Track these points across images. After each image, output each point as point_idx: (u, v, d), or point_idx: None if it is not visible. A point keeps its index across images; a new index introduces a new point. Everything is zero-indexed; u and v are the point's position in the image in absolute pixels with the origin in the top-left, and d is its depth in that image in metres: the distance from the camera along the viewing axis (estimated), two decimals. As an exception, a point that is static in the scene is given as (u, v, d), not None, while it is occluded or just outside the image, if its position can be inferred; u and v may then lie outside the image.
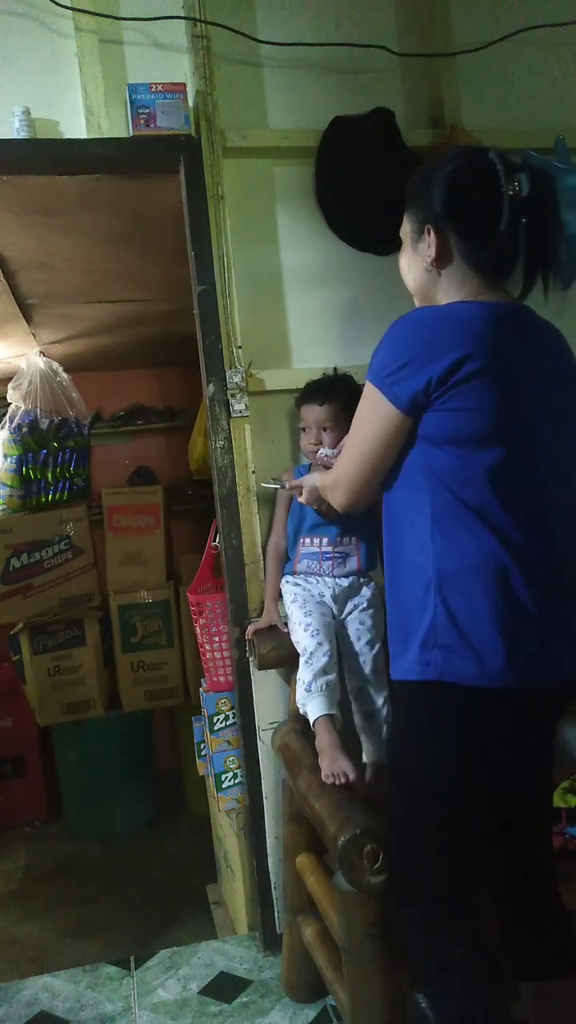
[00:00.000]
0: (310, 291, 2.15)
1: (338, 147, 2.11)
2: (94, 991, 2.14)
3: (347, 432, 1.93)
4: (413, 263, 1.42)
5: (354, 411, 1.91)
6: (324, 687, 1.77)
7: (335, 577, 1.94)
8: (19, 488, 3.04)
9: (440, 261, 1.37)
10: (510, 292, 1.40)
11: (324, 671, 1.78)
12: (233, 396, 2.05)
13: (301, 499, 1.75)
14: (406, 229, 1.43)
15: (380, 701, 1.84)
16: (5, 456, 3.05)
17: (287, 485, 1.88)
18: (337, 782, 1.63)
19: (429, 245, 1.37)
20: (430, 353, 1.26)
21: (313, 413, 1.93)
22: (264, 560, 2.08)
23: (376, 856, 1.41)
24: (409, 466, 1.35)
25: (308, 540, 1.97)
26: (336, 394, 1.92)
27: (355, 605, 1.92)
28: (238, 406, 2.06)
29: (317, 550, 1.96)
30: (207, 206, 2.02)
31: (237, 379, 2.05)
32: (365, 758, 1.82)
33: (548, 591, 1.28)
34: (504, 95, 2.25)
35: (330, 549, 1.95)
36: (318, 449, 1.93)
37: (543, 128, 2.23)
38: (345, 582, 1.94)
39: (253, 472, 2.08)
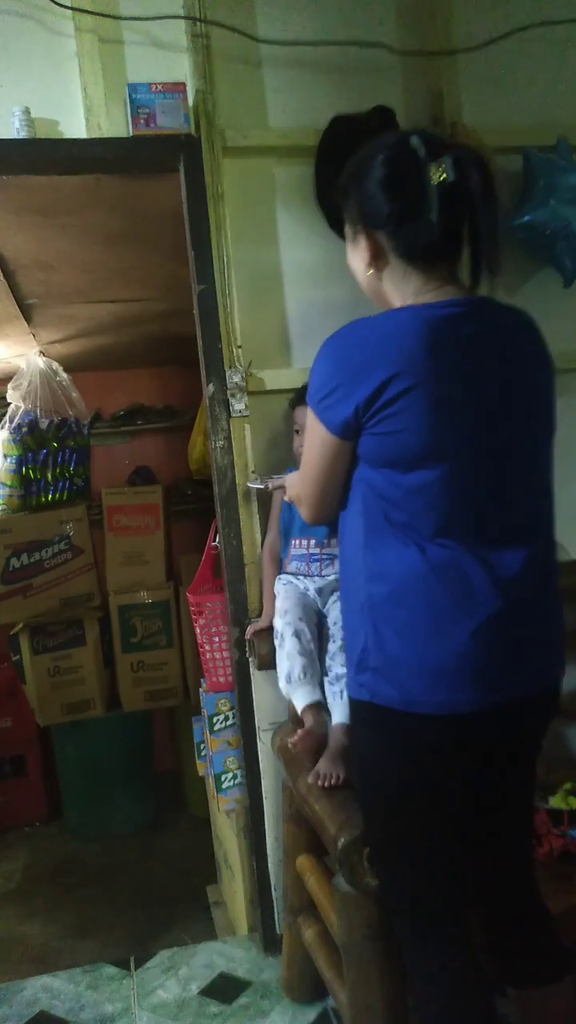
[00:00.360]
0: (310, 291, 2.15)
1: (338, 146, 2.10)
2: (94, 991, 2.14)
3: None
4: (355, 264, 1.39)
5: None
6: (302, 675, 1.79)
7: (324, 577, 1.94)
8: (19, 488, 3.04)
9: (375, 262, 1.33)
10: (462, 283, 1.33)
11: (298, 653, 1.81)
12: (233, 396, 2.05)
13: (285, 497, 1.75)
14: (347, 230, 1.39)
15: (343, 668, 1.77)
16: (5, 456, 3.05)
17: (270, 485, 1.88)
18: (327, 783, 1.63)
19: (364, 247, 1.34)
20: (355, 377, 1.23)
21: (306, 415, 1.93)
22: (262, 560, 2.09)
23: (376, 857, 1.42)
24: (352, 484, 1.34)
25: (297, 542, 1.98)
26: None
27: (335, 590, 1.92)
28: (238, 406, 2.05)
29: (305, 552, 1.96)
30: (207, 206, 2.02)
31: (237, 379, 2.05)
32: (333, 720, 1.78)
33: (493, 611, 1.23)
34: (505, 93, 2.24)
35: (318, 551, 1.95)
36: None
37: (544, 126, 2.22)
38: (332, 577, 1.94)
39: (253, 472, 2.08)
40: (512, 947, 1.43)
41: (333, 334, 1.30)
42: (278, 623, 1.90)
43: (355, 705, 1.36)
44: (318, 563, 1.95)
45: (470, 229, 1.30)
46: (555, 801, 1.89)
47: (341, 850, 1.43)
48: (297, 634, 1.84)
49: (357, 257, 1.37)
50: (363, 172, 1.31)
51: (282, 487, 1.74)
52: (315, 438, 1.33)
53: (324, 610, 1.92)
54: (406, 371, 1.20)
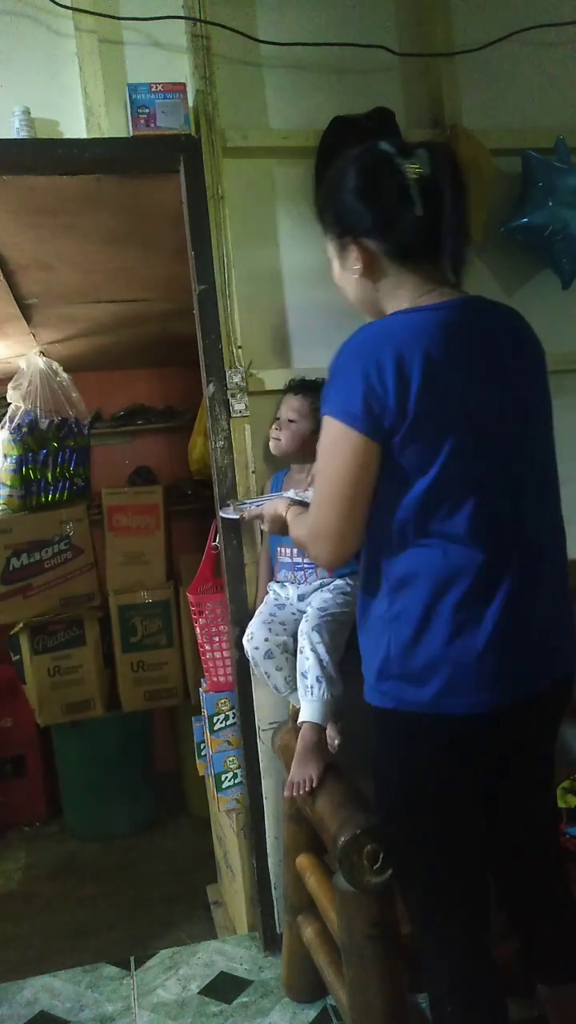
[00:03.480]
0: (310, 291, 2.15)
1: (338, 147, 2.10)
2: (94, 991, 2.14)
3: (311, 432, 1.92)
4: (346, 279, 1.38)
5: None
6: (287, 687, 1.85)
7: (309, 583, 1.96)
8: (19, 488, 3.04)
9: (369, 270, 1.32)
10: (452, 282, 1.33)
11: (276, 670, 1.87)
12: (233, 396, 2.05)
13: (264, 527, 1.68)
14: (329, 251, 1.38)
15: (308, 665, 1.78)
16: (5, 456, 3.05)
17: (246, 515, 1.77)
18: (302, 791, 1.64)
19: (355, 259, 1.32)
20: (380, 380, 1.21)
21: (287, 403, 1.97)
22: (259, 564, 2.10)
23: (376, 856, 1.42)
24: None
25: (282, 550, 2.00)
26: (316, 391, 1.92)
27: (322, 586, 1.94)
28: (238, 406, 2.06)
29: (290, 560, 1.98)
30: (207, 206, 2.02)
31: (237, 379, 2.05)
32: (300, 716, 1.78)
33: (513, 613, 1.25)
34: (504, 95, 2.25)
35: (300, 560, 1.96)
36: (277, 436, 1.96)
37: (543, 128, 2.23)
38: (317, 583, 1.95)
39: (253, 472, 2.09)
40: (542, 943, 1.44)
41: (351, 338, 1.28)
42: (247, 646, 1.92)
43: (377, 710, 1.33)
44: (301, 572, 1.96)
45: (452, 218, 1.30)
46: (554, 800, 1.89)
47: (341, 849, 1.43)
48: (269, 655, 1.87)
49: (346, 271, 1.36)
50: (341, 185, 1.31)
51: (260, 517, 1.67)
52: (341, 446, 1.23)
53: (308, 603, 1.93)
54: (427, 374, 1.20)
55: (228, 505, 1.92)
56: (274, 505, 1.59)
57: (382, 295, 1.34)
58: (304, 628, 1.82)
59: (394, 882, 1.42)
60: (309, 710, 1.74)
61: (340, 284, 1.40)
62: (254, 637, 1.90)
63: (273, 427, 1.99)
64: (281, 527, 1.57)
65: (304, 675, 1.77)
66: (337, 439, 1.24)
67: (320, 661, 1.76)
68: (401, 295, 1.31)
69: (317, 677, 1.75)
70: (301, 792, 1.64)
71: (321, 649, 1.77)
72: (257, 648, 1.89)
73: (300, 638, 1.82)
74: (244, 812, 2.21)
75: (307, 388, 1.96)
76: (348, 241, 1.32)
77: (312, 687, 1.75)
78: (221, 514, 1.96)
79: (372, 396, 1.21)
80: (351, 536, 1.27)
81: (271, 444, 2.00)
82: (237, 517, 1.83)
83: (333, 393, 1.26)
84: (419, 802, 1.33)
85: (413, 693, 1.26)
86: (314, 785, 1.63)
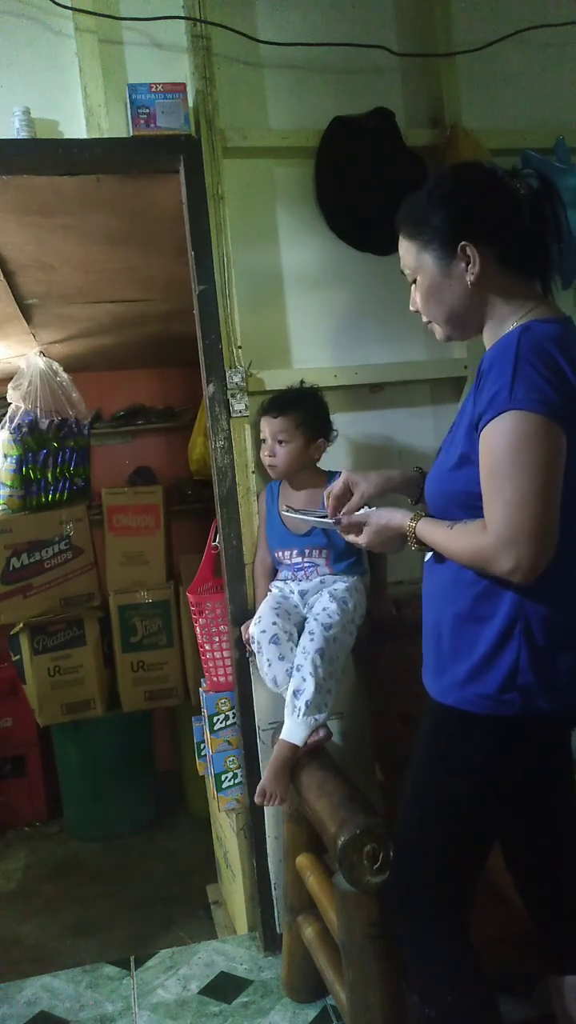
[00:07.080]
0: (310, 291, 2.15)
1: (338, 147, 2.11)
2: (94, 991, 2.14)
3: (303, 446, 1.93)
4: (447, 290, 1.33)
5: (312, 425, 1.89)
6: (287, 679, 1.82)
7: (309, 580, 1.97)
8: (19, 488, 3.04)
9: (481, 277, 1.30)
10: (543, 296, 1.35)
11: (278, 659, 1.84)
12: (233, 396, 2.05)
13: (359, 541, 1.48)
14: (423, 262, 1.34)
15: (305, 688, 1.77)
16: (5, 456, 3.05)
17: (342, 520, 1.50)
18: (271, 804, 1.75)
19: (469, 262, 1.29)
20: (561, 375, 1.21)
21: (269, 426, 1.95)
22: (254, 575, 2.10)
23: (376, 856, 1.42)
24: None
25: (281, 553, 2.01)
26: (292, 407, 1.94)
27: (323, 589, 1.94)
28: (238, 406, 2.06)
29: (290, 562, 1.99)
30: (207, 206, 2.02)
31: (237, 379, 2.05)
32: (282, 734, 1.79)
33: None
34: (504, 95, 2.25)
35: (299, 560, 1.98)
36: (273, 462, 1.95)
37: (543, 128, 2.23)
38: (316, 580, 1.97)
39: (253, 472, 2.09)
40: (561, 934, 1.46)
41: (518, 338, 1.22)
42: (253, 630, 1.91)
43: (477, 718, 1.29)
44: (302, 571, 1.98)
45: (550, 239, 1.34)
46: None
47: (341, 849, 1.43)
48: (275, 640, 1.85)
49: (451, 280, 1.32)
50: (456, 189, 1.32)
51: (357, 526, 1.47)
52: (542, 438, 1.16)
53: (311, 604, 1.93)
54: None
55: (311, 512, 1.68)
56: (387, 516, 1.44)
57: (486, 304, 1.32)
58: (308, 646, 1.82)
59: (394, 881, 1.42)
60: (293, 731, 1.77)
61: (428, 302, 1.36)
62: (262, 620, 1.89)
63: (265, 452, 1.97)
64: (388, 541, 1.44)
65: (297, 695, 1.78)
66: (536, 432, 1.17)
67: (318, 688, 1.77)
68: (505, 306, 1.31)
69: (307, 703, 1.76)
70: (273, 804, 1.76)
71: (321, 674, 1.78)
72: (264, 631, 1.86)
73: (300, 654, 1.82)
74: (244, 812, 2.21)
75: (285, 406, 1.94)
76: (464, 245, 1.29)
77: (301, 709, 1.76)
78: (293, 514, 1.74)
79: (565, 391, 1.19)
80: (554, 534, 1.17)
81: (269, 469, 1.99)
82: (332, 523, 1.53)
83: (520, 388, 1.18)
84: (498, 807, 1.36)
85: (541, 700, 1.26)
86: (281, 804, 1.76)
